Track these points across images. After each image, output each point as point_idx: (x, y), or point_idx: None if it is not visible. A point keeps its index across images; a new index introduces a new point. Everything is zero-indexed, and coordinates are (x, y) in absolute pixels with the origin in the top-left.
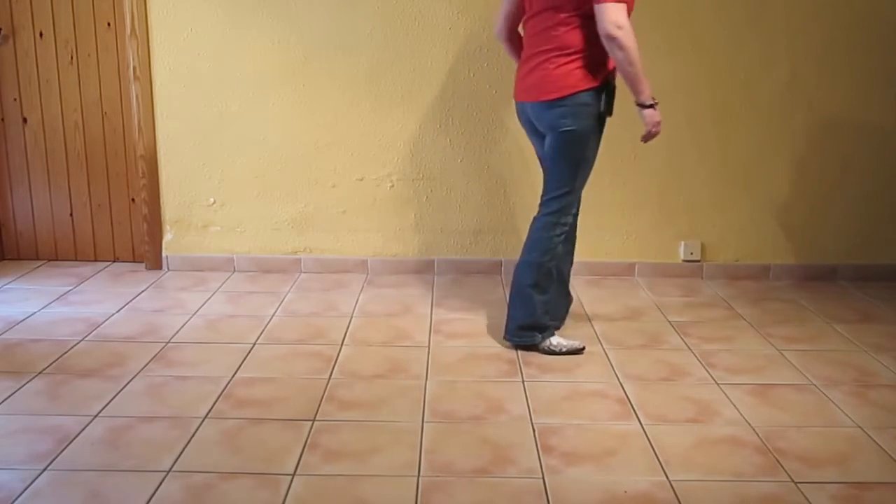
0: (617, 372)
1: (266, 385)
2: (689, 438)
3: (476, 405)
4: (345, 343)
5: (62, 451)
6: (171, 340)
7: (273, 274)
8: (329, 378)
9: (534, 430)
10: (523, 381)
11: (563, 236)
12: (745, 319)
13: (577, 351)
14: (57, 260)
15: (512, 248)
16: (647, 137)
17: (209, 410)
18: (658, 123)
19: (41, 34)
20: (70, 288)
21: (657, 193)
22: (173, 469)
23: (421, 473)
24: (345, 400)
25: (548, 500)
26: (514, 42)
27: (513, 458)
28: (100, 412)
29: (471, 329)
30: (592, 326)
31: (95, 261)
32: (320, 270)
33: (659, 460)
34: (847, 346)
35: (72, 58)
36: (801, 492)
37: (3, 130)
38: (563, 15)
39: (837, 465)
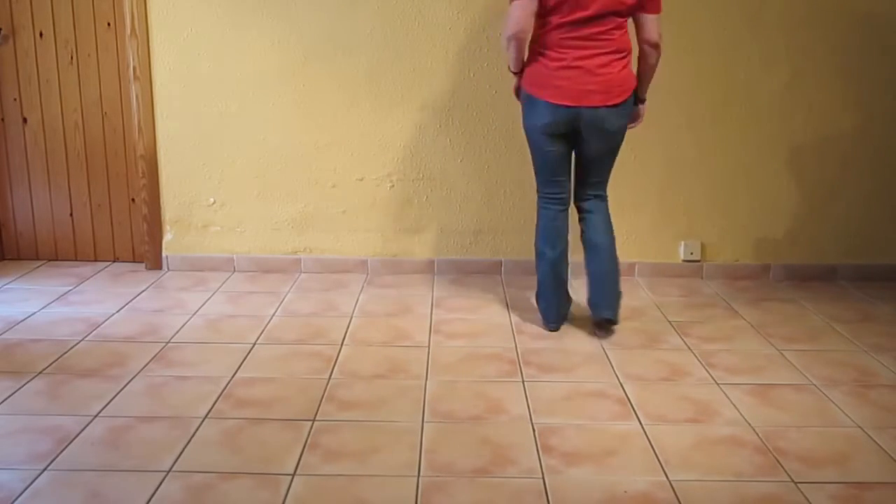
0: (617, 372)
1: (266, 385)
2: (688, 438)
3: (476, 405)
4: (345, 343)
5: (62, 451)
6: (171, 340)
7: (273, 274)
8: (329, 378)
9: (534, 430)
10: (523, 381)
11: None
12: (745, 319)
13: None
14: (57, 260)
15: (512, 248)
16: (635, 126)
17: (209, 410)
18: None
19: (41, 34)
20: (70, 288)
21: (657, 193)
22: (173, 469)
23: (421, 473)
24: (345, 400)
25: (548, 500)
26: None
27: (513, 458)
28: (100, 412)
29: (471, 329)
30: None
31: (95, 261)
32: (320, 270)
33: (659, 460)
34: (847, 346)
35: (72, 58)
36: (801, 492)
37: (3, 130)
38: (620, 19)
39: (837, 465)
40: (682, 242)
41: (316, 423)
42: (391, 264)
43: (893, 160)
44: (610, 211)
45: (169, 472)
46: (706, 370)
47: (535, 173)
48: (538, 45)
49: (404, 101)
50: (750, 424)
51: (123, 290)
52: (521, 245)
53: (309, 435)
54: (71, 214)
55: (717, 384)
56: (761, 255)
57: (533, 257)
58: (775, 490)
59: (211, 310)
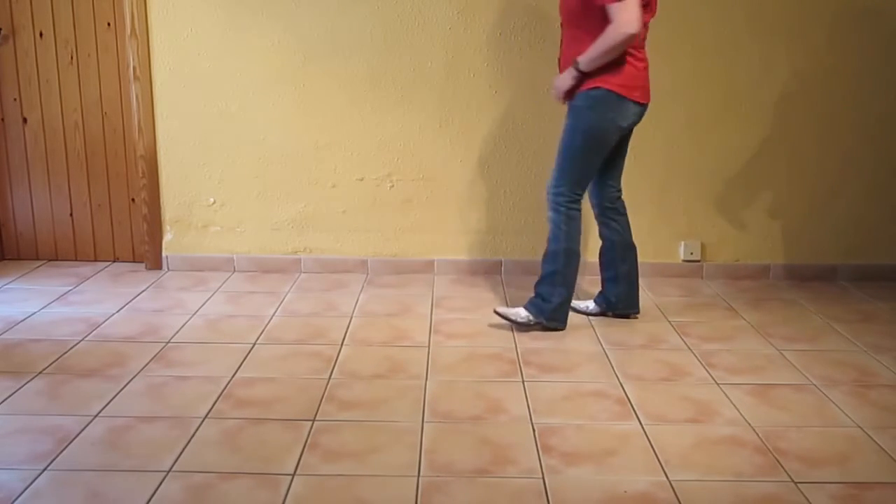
0: (617, 372)
1: (266, 385)
2: (688, 438)
3: (476, 405)
4: (345, 343)
5: (62, 451)
6: (171, 340)
7: (273, 274)
8: (329, 378)
9: (534, 430)
10: (523, 381)
11: None
12: (745, 319)
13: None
14: (57, 260)
15: (512, 248)
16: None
17: (209, 410)
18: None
19: (41, 34)
20: (70, 288)
21: (657, 193)
22: (173, 469)
23: (421, 473)
24: (345, 400)
25: (548, 500)
26: None
27: (513, 458)
28: (100, 412)
29: (471, 329)
30: (592, 326)
31: (95, 261)
32: (320, 270)
33: (659, 460)
34: (847, 346)
35: (72, 58)
36: (801, 492)
37: (3, 130)
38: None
39: (837, 465)
40: (682, 242)
41: (316, 423)
42: (391, 264)
43: (893, 160)
44: None
45: (169, 472)
46: (706, 370)
47: (578, 176)
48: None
49: (404, 101)
50: (750, 424)
51: (123, 290)
52: (521, 245)
53: (309, 435)
54: (71, 214)
55: (717, 384)
56: (761, 255)
57: (533, 257)
58: (775, 490)
59: (211, 310)
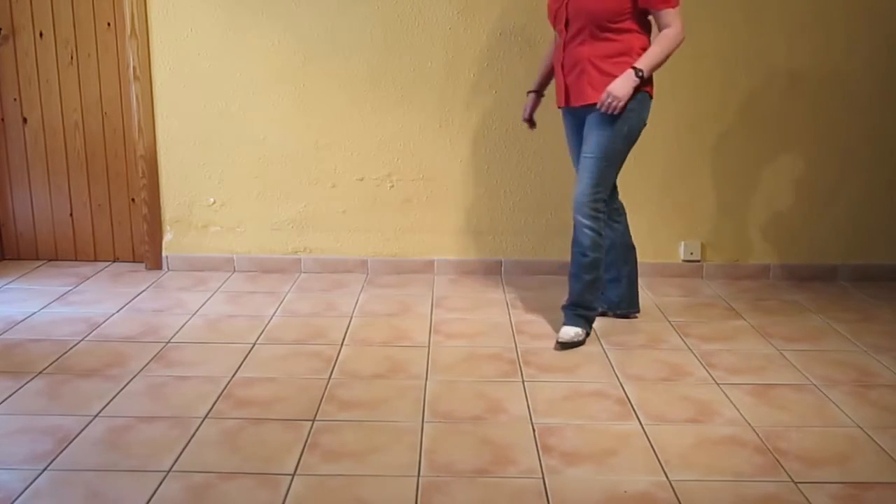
0: (617, 372)
1: (266, 385)
2: (689, 438)
3: (476, 405)
4: (345, 343)
5: (62, 451)
6: (171, 340)
7: (273, 274)
8: (329, 378)
9: (534, 430)
10: (523, 381)
11: None
12: (745, 319)
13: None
14: (57, 260)
15: (512, 248)
16: None
17: (209, 410)
18: None
19: (41, 34)
20: (70, 288)
21: (657, 193)
22: (173, 469)
23: (421, 473)
24: (345, 400)
25: (548, 500)
26: None
27: (513, 458)
28: (100, 412)
29: (471, 329)
30: (592, 326)
31: (95, 261)
32: (320, 270)
33: (659, 460)
34: (847, 346)
35: (72, 58)
36: (801, 492)
37: (3, 130)
38: None
39: (837, 465)
40: (682, 242)
41: (316, 423)
42: (391, 264)
43: (893, 160)
44: None
45: (169, 472)
46: (706, 370)
47: (612, 180)
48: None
49: (404, 101)
50: (750, 424)
51: (123, 290)
52: (521, 245)
53: (309, 435)
54: (71, 214)
55: (717, 384)
56: (761, 255)
57: (533, 257)
58: (775, 490)
59: (211, 310)
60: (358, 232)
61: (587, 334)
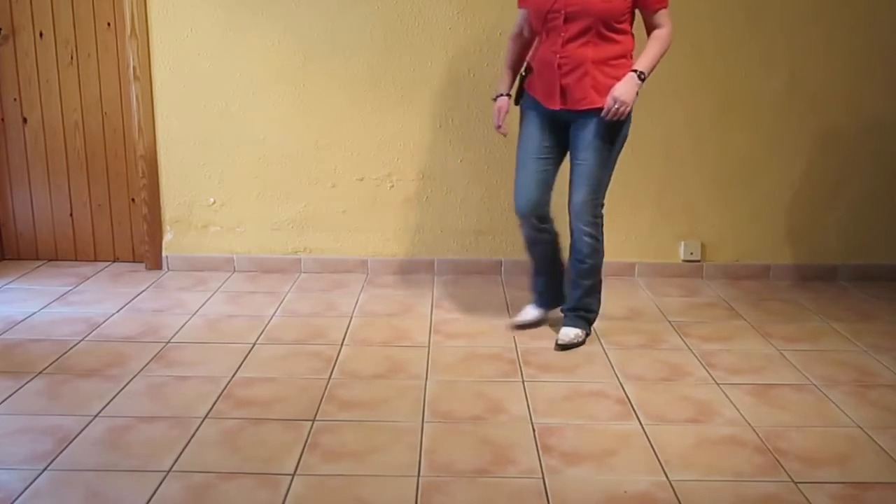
0: (617, 372)
1: (266, 385)
2: (689, 438)
3: (476, 405)
4: (345, 343)
5: (62, 451)
6: (171, 340)
7: (273, 274)
8: (329, 378)
9: (534, 430)
10: (523, 381)
11: (519, 223)
12: (745, 319)
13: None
14: (57, 260)
15: (512, 248)
16: None
17: (209, 410)
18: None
19: (41, 34)
20: (70, 288)
21: (657, 193)
22: (173, 469)
23: (421, 473)
24: (345, 400)
25: (548, 500)
26: None
27: (513, 458)
28: (100, 412)
29: (471, 329)
30: (593, 329)
31: (95, 261)
32: (320, 270)
33: (659, 460)
34: (847, 346)
35: (72, 58)
36: (801, 492)
37: (3, 130)
38: None
39: (837, 465)
40: (682, 242)
41: (316, 423)
42: (391, 264)
43: (893, 160)
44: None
45: (169, 472)
46: (706, 370)
47: (608, 184)
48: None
49: (404, 101)
50: (750, 424)
51: (123, 290)
52: (521, 245)
53: (309, 435)
54: (71, 214)
55: (717, 384)
56: (761, 255)
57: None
58: (775, 490)
59: (211, 310)
60: (358, 232)
61: (587, 335)
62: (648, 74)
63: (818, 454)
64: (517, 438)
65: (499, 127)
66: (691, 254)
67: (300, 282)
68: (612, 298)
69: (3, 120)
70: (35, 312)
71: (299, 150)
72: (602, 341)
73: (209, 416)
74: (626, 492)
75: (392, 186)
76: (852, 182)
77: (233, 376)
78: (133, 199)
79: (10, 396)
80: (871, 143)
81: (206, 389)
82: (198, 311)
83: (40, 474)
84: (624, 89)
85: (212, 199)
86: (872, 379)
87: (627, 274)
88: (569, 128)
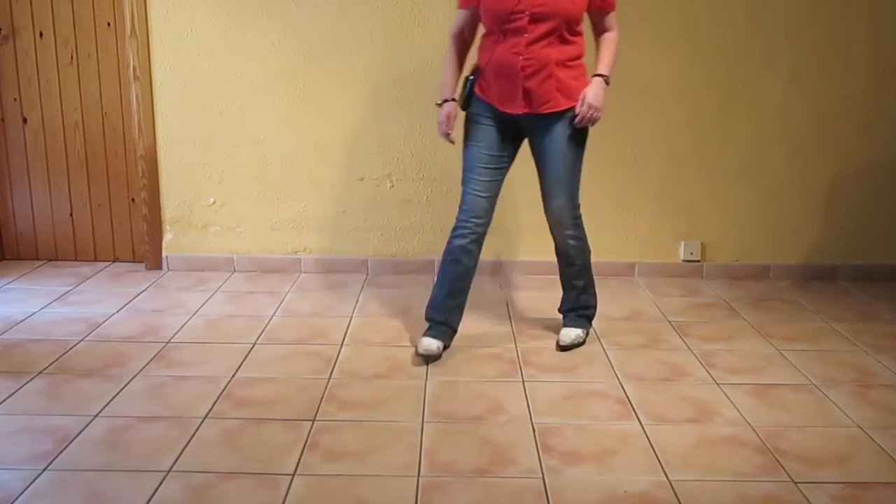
0: (617, 372)
1: (266, 385)
2: (689, 438)
3: (476, 405)
4: (345, 343)
5: (62, 451)
6: (171, 340)
7: (273, 274)
8: (329, 378)
9: (534, 430)
10: (523, 381)
11: (456, 232)
12: (745, 319)
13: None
14: (57, 260)
15: (512, 248)
16: None
17: (209, 410)
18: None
19: (41, 34)
20: (70, 288)
21: (657, 193)
22: (173, 469)
23: (421, 473)
24: (345, 400)
25: (548, 500)
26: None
27: (513, 458)
28: (100, 412)
29: (471, 329)
30: (592, 326)
31: (95, 261)
32: (320, 270)
33: (659, 460)
34: (847, 346)
35: (72, 58)
36: (801, 492)
37: (3, 130)
38: None
39: (837, 465)
40: (682, 242)
41: (316, 423)
42: (391, 264)
43: (893, 160)
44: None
45: (169, 472)
46: (706, 370)
47: (579, 186)
48: None
49: (404, 101)
50: (750, 424)
51: (123, 290)
52: (521, 245)
53: (309, 435)
54: (71, 214)
55: (717, 384)
56: (761, 255)
57: (533, 257)
58: (775, 490)
59: (211, 310)
60: (358, 232)
61: (587, 334)
62: (610, 78)
63: (818, 454)
64: (517, 438)
65: (447, 134)
66: (691, 254)
67: (300, 282)
68: (612, 298)
69: (3, 120)
70: (35, 312)
71: (299, 150)
72: (602, 341)
73: (209, 416)
74: (626, 492)
75: (392, 186)
76: (852, 182)
77: (233, 376)
78: (133, 199)
79: (10, 396)
80: (871, 144)
81: (206, 389)
82: (198, 311)
83: (40, 474)
84: (595, 95)
85: (212, 199)
86: (872, 379)
87: (627, 274)
88: (524, 133)
